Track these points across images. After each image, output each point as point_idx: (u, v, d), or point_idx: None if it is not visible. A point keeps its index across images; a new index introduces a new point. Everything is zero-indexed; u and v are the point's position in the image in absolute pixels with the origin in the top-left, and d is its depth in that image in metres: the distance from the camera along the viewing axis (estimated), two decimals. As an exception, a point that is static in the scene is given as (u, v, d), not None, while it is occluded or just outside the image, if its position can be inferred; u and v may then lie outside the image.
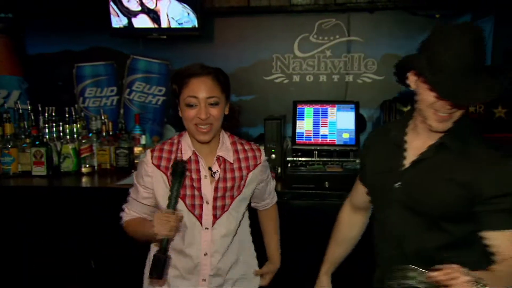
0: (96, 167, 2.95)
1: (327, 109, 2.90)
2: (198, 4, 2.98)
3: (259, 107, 3.22)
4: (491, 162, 1.23)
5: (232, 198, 1.65)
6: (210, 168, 1.65)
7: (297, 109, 2.92)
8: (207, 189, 1.62)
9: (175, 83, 1.61)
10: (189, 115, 1.55)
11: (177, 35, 3.13)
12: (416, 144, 1.38)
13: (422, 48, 1.31)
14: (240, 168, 1.67)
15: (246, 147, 1.72)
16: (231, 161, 1.66)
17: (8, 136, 2.86)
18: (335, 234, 1.75)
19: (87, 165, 2.91)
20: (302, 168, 2.68)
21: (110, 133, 3.02)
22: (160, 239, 1.48)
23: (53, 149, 2.91)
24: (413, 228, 1.35)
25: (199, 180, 1.62)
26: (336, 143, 2.83)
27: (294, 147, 2.84)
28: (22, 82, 3.34)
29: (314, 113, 2.91)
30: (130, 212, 1.72)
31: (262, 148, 1.84)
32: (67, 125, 2.96)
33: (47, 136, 2.94)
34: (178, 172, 1.51)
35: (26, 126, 2.96)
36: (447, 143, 1.29)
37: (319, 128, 2.88)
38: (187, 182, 1.60)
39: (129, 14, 2.99)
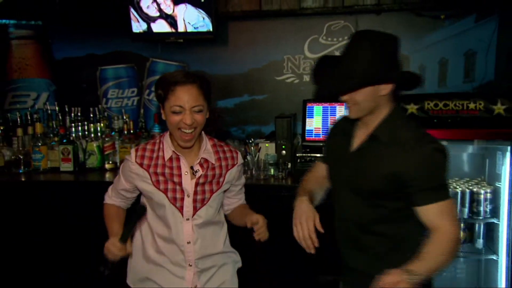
0: (118, 163, 3.08)
1: (335, 107, 3.00)
2: (212, 10, 3.10)
3: (271, 106, 3.33)
4: (415, 147, 1.40)
5: (212, 192, 1.75)
6: (192, 167, 1.74)
7: (307, 108, 3.03)
8: (188, 184, 1.71)
9: (161, 89, 1.66)
10: (174, 120, 1.63)
11: (193, 38, 3.25)
12: (360, 134, 1.58)
13: None
14: (220, 166, 1.78)
15: (225, 148, 1.83)
16: (213, 162, 1.76)
17: (39, 135, 3.03)
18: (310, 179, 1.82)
19: (110, 162, 3.08)
20: (312, 163, 2.79)
21: (131, 131, 3.16)
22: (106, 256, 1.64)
23: (79, 147, 3.08)
24: (354, 205, 1.56)
25: (179, 176, 1.71)
26: None
27: (304, 143, 2.95)
28: (50, 85, 3.51)
29: (323, 111, 3.01)
30: (111, 198, 1.86)
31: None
32: (92, 124, 3.13)
33: (73, 135, 3.11)
34: (137, 214, 1.65)
35: (54, 126, 3.14)
36: (377, 134, 1.49)
37: (328, 126, 2.97)
38: (168, 177, 1.71)
39: (148, 19, 3.15)
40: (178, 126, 1.64)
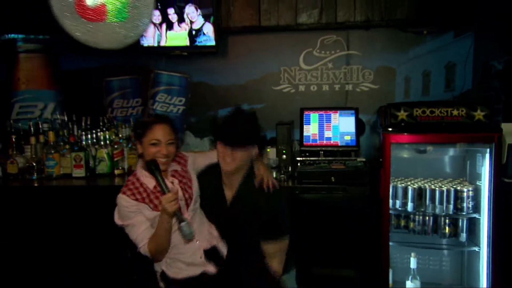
0: (126, 169, 3.23)
1: (330, 114, 3.19)
2: (215, 25, 3.29)
3: (268, 114, 3.43)
4: None
5: (190, 194, 2.13)
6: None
7: (304, 115, 3.20)
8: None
9: (140, 128, 2.08)
10: (152, 151, 2.01)
11: (196, 52, 3.41)
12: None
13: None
14: (186, 172, 2.19)
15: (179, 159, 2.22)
16: (179, 169, 2.17)
17: (51, 143, 3.17)
18: None
19: (119, 168, 3.22)
20: (311, 166, 2.96)
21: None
22: (174, 214, 1.91)
23: (89, 154, 3.21)
24: None
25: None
26: (339, 144, 3.12)
27: (302, 148, 3.12)
28: (57, 95, 3.59)
29: (319, 118, 3.19)
30: (146, 238, 2.00)
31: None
32: (101, 133, 3.26)
33: (83, 142, 3.23)
34: (153, 168, 1.95)
35: (65, 134, 3.25)
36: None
37: (323, 132, 3.16)
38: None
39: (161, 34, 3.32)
40: (155, 156, 2.00)
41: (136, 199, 2.00)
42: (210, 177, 2.22)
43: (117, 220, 2.03)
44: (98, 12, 0.97)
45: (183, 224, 1.93)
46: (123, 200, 2.00)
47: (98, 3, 0.94)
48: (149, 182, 2.05)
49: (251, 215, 2.11)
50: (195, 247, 2.09)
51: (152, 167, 1.96)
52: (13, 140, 3.23)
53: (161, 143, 2.02)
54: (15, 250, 2.93)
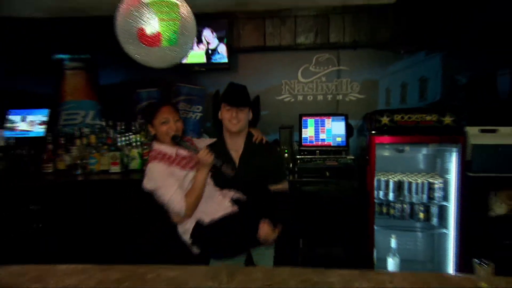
0: None
1: (324, 120, 3.26)
2: (228, 46, 3.41)
3: (272, 120, 3.52)
4: None
5: None
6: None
7: (302, 120, 3.27)
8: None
9: (149, 112, 2.09)
10: (164, 129, 2.03)
11: (212, 68, 3.51)
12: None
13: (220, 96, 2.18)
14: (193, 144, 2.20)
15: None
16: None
17: (93, 144, 3.28)
18: None
19: (149, 165, 3.33)
20: (309, 163, 3.05)
21: None
22: (211, 165, 1.98)
23: (123, 153, 3.32)
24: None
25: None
26: (331, 145, 3.19)
27: (301, 148, 3.19)
28: (96, 105, 3.66)
29: (315, 123, 3.26)
30: (180, 197, 1.95)
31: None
32: (133, 135, 3.38)
33: (119, 144, 3.35)
34: (178, 140, 2.02)
35: (104, 137, 3.36)
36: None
37: (319, 134, 3.23)
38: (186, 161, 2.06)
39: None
40: (167, 133, 2.04)
41: (166, 163, 2.00)
42: (215, 149, 2.15)
43: (149, 186, 1.97)
44: (155, 39, 1.09)
45: (224, 165, 1.97)
46: (156, 166, 1.97)
47: (155, 32, 1.07)
48: (171, 150, 2.06)
49: (258, 168, 2.16)
50: (223, 196, 2.11)
51: (177, 140, 2.01)
52: (61, 142, 3.34)
53: (170, 121, 2.04)
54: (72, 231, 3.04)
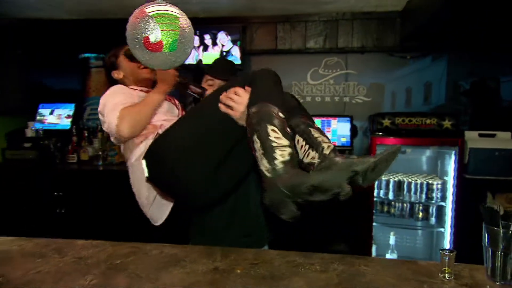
0: None
1: (330, 120, 3.39)
2: (241, 48, 3.53)
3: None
4: None
5: None
6: None
7: None
8: None
9: (112, 56, 1.75)
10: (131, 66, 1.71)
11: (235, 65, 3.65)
12: None
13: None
14: None
15: None
16: None
17: (113, 137, 3.47)
18: None
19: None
20: None
21: None
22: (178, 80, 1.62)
23: None
24: None
25: None
26: (336, 145, 3.26)
27: None
28: None
29: (321, 123, 3.38)
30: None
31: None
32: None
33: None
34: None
35: None
36: None
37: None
38: None
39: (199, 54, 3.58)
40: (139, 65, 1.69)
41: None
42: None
43: (100, 109, 1.59)
44: (157, 46, 1.24)
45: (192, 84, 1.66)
46: (113, 89, 1.61)
47: (158, 40, 1.21)
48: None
49: None
50: None
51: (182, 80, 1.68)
52: (85, 135, 3.55)
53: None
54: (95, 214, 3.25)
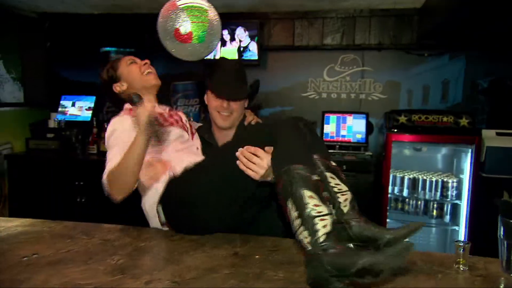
0: None
1: (346, 117, 3.41)
2: (259, 44, 3.57)
3: (296, 116, 3.63)
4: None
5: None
6: None
7: (325, 117, 3.44)
8: None
9: (110, 68, 1.60)
10: (133, 69, 1.61)
11: (244, 64, 3.69)
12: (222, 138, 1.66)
13: (207, 74, 1.68)
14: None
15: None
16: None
17: (132, 130, 3.55)
18: None
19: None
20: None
21: None
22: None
23: None
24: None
25: None
26: (351, 141, 3.34)
27: None
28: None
29: (336, 119, 3.41)
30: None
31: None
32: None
33: (155, 131, 3.61)
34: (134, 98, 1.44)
35: None
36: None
37: (340, 130, 3.38)
38: None
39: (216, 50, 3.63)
40: (141, 73, 1.62)
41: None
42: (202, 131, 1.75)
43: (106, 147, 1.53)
44: (187, 37, 1.29)
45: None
46: (120, 120, 1.53)
47: (188, 31, 1.26)
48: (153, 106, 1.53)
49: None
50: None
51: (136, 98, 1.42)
52: (105, 126, 3.63)
53: (138, 61, 1.65)
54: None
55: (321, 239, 1.02)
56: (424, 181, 3.05)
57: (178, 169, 1.44)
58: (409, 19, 3.35)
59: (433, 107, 3.44)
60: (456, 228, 3.03)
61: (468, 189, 2.87)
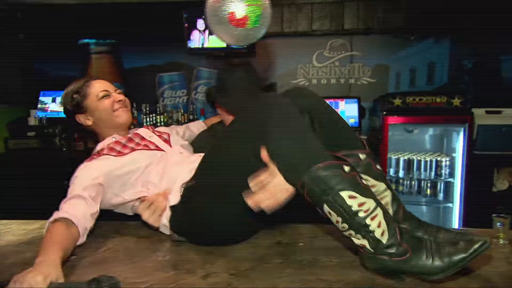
0: None
1: (338, 102, 3.40)
2: (247, 31, 3.53)
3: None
4: None
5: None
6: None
7: None
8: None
9: (76, 94, 1.42)
10: (106, 104, 1.43)
11: (231, 52, 3.57)
12: None
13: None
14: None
15: None
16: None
17: (121, 124, 3.42)
18: None
19: (173, 144, 3.47)
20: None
21: (185, 121, 3.57)
22: None
23: None
24: None
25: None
26: None
27: None
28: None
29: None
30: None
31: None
32: (158, 116, 3.53)
33: (145, 124, 3.49)
34: None
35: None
36: None
37: None
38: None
39: (204, 38, 3.51)
40: (113, 108, 1.46)
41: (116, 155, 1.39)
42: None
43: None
44: (242, 21, 1.23)
45: None
46: (88, 165, 1.44)
47: (243, 15, 1.20)
48: (109, 140, 1.51)
49: None
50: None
51: None
52: (91, 122, 3.47)
53: (111, 92, 1.49)
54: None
55: (383, 240, 0.94)
56: (419, 161, 3.13)
57: (176, 186, 1.31)
58: (397, 3, 3.38)
59: (420, 89, 3.51)
60: (450, 205, 3.14)
61: (462, 167, 2.97)
